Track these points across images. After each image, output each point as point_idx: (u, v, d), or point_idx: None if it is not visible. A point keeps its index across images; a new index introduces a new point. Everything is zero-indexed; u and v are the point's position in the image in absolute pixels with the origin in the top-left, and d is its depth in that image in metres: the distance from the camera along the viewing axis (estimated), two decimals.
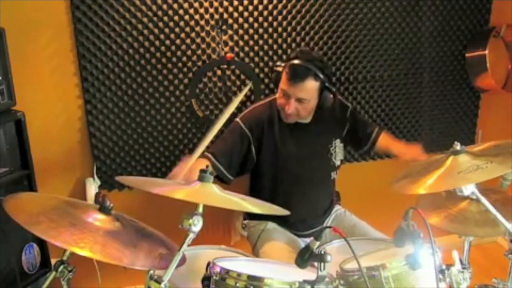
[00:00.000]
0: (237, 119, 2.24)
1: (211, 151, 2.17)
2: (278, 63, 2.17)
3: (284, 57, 2.57)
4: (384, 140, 2.37)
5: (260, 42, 2.53)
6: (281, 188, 2.23)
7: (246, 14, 2.47)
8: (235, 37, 2.49)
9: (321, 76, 2.07)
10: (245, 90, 2.41)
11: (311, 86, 2.07)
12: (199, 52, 2.46)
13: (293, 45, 2.58)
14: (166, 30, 2.40)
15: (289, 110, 2.10)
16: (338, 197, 2.48)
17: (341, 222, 2.32)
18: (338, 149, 2.31)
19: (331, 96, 2.11)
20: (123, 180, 1.76)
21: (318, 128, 2.24)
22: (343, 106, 2.36)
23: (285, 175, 2.23)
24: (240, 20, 2.47)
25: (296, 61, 2.07)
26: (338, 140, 2.31)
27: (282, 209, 1.64)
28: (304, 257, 1.39)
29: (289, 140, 2.21)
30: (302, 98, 2.08)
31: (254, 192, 2.30)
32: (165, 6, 2.37)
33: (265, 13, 2.50)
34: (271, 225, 2.25)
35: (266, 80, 2.59)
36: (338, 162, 2.33)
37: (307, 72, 2.05)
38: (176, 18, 2.40)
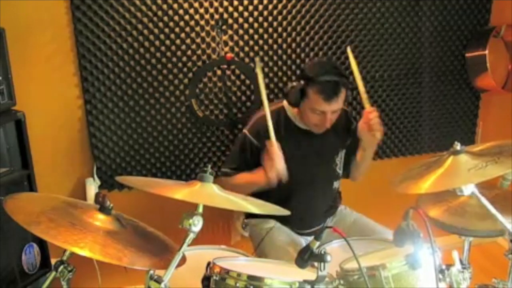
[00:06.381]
0: (245, 131, 2.20)
1: (235, 167, 2.18)
2: (294, 83, 2.08)
3: (284, 57, 2.58)
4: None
5: (260, 42, 2.53)
6: (282, 192, 2.22)
7: (246, 14, 2.47)
8: (235, 37, 2.49)
9: (346, 81, 2.06)
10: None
11: (343, 95, 2.05)
12: (199, 52, 2.47)
13: (293, 45, 2.58)
14: (166, 30, 2.40)
15: (329, 125, 2.09)
16: (339, 197, 2.47)
17: (342, 219, 2.32)
18: (343, 160, 2.31)
19: (349, 92, 2.13)
20: (123, 180, 1.76)
21: (327, 137, 2.22)
22: (349, 120, 2.35)
23: (289, 180, 2.22)
24: (240, 20, 2.47)
25: (325, 78, 2.00)
26: (344, 151, 2.31)
27: (282, 209, 1.64)
28: (304, 257, 1.39)
29: (297, 147, 2.19)
30: (337, 109, 2.08)
31: (255, 194, 2.29)
32: (165, 6, 2.37)
33: (265, 13, 2.50)
34: (274, 223, 2.24)
35: (266, 80, 2.59)
36: (341, 172, 2.33)
37: (339, 86, 2.02)
38: (176, 18, 2.40)
